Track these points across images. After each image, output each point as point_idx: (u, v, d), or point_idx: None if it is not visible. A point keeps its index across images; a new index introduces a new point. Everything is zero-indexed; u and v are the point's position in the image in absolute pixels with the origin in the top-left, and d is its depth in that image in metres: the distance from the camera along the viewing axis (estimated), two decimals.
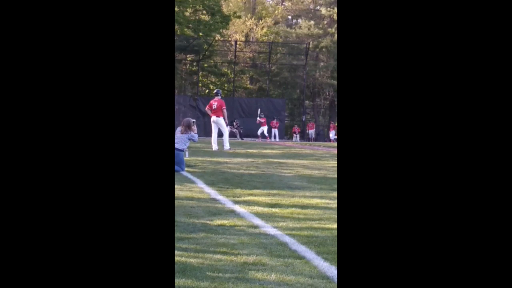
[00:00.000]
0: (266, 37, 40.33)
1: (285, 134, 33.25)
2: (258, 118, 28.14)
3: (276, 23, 42.50)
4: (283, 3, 44.09)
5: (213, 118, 14.02)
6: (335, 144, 21.65)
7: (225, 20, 35.13)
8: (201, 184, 6.41)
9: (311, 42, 35.90)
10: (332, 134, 32.01)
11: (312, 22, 38.77)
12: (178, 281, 2.50)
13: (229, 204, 4.98)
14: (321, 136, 33.66)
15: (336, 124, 30.64)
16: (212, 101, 14.23)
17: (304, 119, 34.26)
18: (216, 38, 35.74)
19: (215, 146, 13.64)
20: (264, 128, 28.53)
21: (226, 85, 37.73)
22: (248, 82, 40.76)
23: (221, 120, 13.94)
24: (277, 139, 28.58)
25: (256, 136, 28.13)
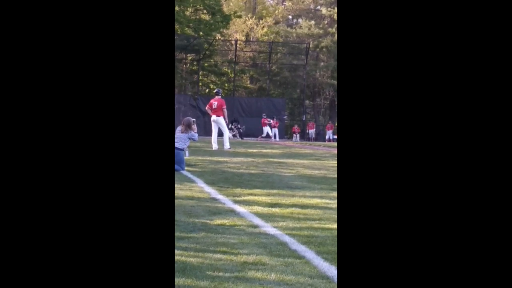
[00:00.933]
0: (267, 37, 40.32)
1: (285, 133, 33.25)
2: (265, 120, 28.29)
3: (276, 22, 42.48)
4: (284, 3, 44.06)
5: (213, 117, 14.02)
6: (335, 144, 21.65)
7: (226, 19, 35.14)
8: (201, 184, 6.41)
9: (311, 42, 35.89)
10: (329, 134, 32.00)
11: (312, 22, 38.74)
12: (178, 280, 2.50)
13: (229, 203, 4.97)
14: (321, 136, 33.65)
15: (335, 124, 30.64)
16: (212, 101, 14.23)
17: (304, 119, 34.26)
18: (217, 38, 35.74)
19: (215, 146, 13.64)
20: (267, 129, 28.56)
21: (226, 84, 37.73)
22: (248, 82, 40.75)
23: (221, 120, 13.94)
24: (277, 138, 28.58)
25: (256, 136, 28.13)
